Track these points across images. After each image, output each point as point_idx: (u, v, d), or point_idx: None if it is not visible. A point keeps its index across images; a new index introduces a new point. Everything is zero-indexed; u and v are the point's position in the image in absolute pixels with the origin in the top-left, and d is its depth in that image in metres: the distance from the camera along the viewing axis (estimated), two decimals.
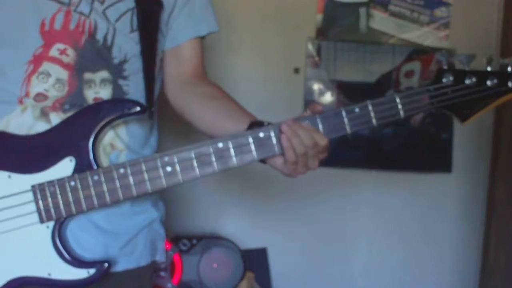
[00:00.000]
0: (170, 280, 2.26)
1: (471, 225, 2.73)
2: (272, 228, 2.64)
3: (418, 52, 2.62)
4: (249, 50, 2.58)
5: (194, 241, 2.38)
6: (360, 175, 2.65)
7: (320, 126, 1.12)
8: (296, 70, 2.62)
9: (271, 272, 2.64)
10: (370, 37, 2.62)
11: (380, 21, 2.62)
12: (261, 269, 2.60)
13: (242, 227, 2.62)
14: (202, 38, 1.36)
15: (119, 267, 1.20)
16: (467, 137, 2.69)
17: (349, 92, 2.61)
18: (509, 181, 2.55)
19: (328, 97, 2.60)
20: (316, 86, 2.61)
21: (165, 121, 1.52)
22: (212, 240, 2.43)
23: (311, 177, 2.45)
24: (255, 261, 2.57)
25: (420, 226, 2.71)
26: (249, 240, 2.59)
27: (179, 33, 1.31)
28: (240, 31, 2.53)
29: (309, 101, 2.59)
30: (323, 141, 1.11)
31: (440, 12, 2.63)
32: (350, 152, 2.61)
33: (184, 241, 2.37)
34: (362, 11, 2.61)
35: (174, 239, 2.35)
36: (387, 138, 2.64)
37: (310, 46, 2.60)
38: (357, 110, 1.13)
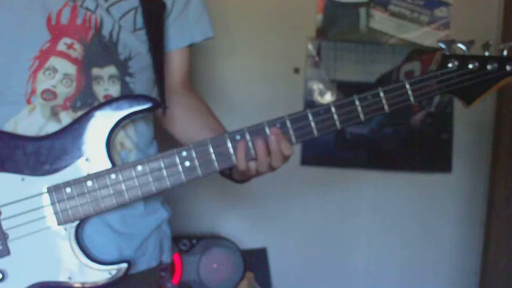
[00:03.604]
0: (170, 280, 2.26)
1: (471, 225, 2.73)
2: (272, 228, 2.64)
3: (418, 52, 2.62)
4: (249, 50, 2.58)
5: (194, 241, 2.38)
6: (360, 175, 2.65)
7: (291, 132, 1.13)
8: (296, 70, 2.62)
9: (271, 272, 2.63)
10: (370, 37, 2.62)
11: (380, 21, 2.62)
12: (261, 269, 2.59)
13: (242, 227, 2.62)
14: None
15: (133, 269, 1.18)
16: (467, 137, 2.69)
17: (349, 92, 2.58)
18: (509, 181, 2.55)
19: (328, 97, 2.60)
20: (316, 86, 2.61)
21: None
22: (212, 240, 2.43)
23: (311, 177, 2.46)
24: (255, 261, 2.57)
25: (420, 226, 2.71)
26: (249, 240, 2.59)
27: (172, 41, 1.31)
28: (240, 32, 2.53)
29: (309, 101, 2.59)
30: (288, 150, 1.13)
31: (440, 12, 2.63)
32: (350, 152, 2.60)
33: (184, 241, 2.37)
34: (362, 11, 2.61)
35: (174, 239, 2.33)
36: (387, 138, 2.64)
37: (310, 46, 2.60)
38: (369, 97, 1.16)
